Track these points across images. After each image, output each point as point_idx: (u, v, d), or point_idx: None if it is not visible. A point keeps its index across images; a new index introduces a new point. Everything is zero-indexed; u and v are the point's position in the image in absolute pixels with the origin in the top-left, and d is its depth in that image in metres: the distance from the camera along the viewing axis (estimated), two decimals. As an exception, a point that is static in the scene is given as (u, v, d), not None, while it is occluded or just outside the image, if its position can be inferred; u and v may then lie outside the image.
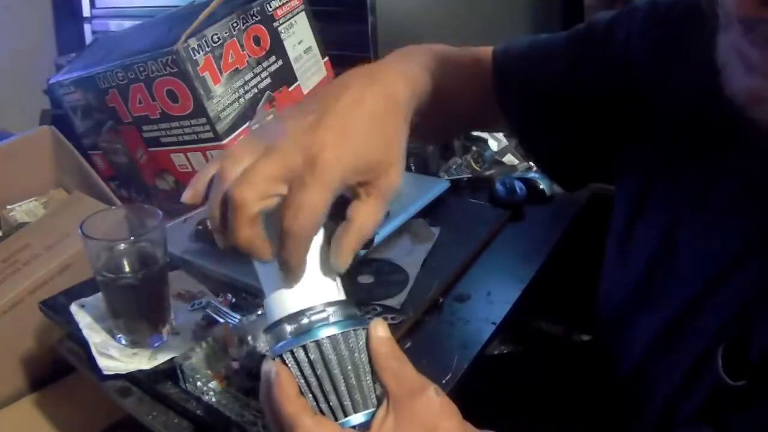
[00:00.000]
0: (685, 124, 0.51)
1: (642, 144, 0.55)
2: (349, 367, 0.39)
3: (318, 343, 0.39)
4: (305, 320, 0.39)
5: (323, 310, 0.40)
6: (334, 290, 0.42)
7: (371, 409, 0.40)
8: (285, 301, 0.41)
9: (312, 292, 0.41)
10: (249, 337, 0.65)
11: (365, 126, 0.41)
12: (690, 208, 0.50)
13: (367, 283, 0.76)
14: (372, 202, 0.41)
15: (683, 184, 0.51)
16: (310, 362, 0.39)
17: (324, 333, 0.39)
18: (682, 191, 0.51)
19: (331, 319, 0.40)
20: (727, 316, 0.46)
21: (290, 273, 0.40)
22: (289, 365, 0.39)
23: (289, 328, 0.40)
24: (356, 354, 0.40)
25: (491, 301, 0.75)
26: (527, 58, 0.63)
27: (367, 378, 0.40)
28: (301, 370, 0.39)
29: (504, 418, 0.72)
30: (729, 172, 0.47)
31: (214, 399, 0.59)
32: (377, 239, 0.79)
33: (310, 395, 0.39)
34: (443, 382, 0.62)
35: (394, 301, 0.72)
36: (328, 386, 0.39)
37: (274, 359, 0.40)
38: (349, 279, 0.76)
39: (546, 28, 1.30)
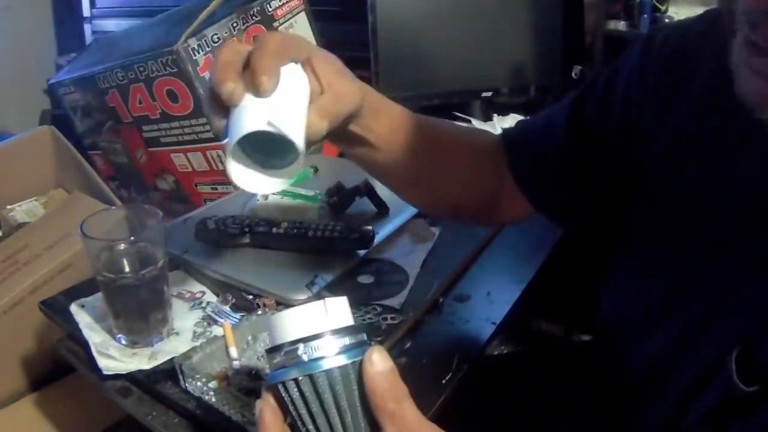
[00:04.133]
0: (691, 148, 0.52)
1: (650, 174, 0.56)
2: (346, 403, 0.37)
3: (312, 378, 0.37)
4: (301, 351, 0.37)
5: (323, 340, 0.37)
6: (341, 316, 0.39)
7: None
8: (284, 326, 0.38)
9: (312, 319, 0.38)
10: (249, 337, 0.65)
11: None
12: (703, 226, 0.51)
13: (367, 283, 0.76)
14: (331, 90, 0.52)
15: (694, 205, 0.52)
16: (303, 397, 0.37)
17: (320, 366, 0.37)
18: (693, 211, 0.51)
19: (330, 350, 0.37)
20: (740, 324, 0.46)
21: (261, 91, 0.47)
22: (283, 395, 0.37)
23: (286, 356, 0.38)
24: (353, 389, 0.37)
25: (491, 301, 0.75)
26: (532, 122, 0.68)
27: (366, 413, 0.38)
28: (294, 403, 0.37)
29: (504, 418, 0.72)
30: (739, 190, 0.48)
31: (214, 399, 0.59)
32: (377, 239, 0.79)
33: (303, 428, 0.38)
34: (443, 382, 0.62)
35: (394, 301, 0.72)
36: (322, 422, 0.37)
37: (267, 389, 0.39)
38: (349, 279, 0.77)
39: (546, 28, 1.31)
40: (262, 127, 0.45)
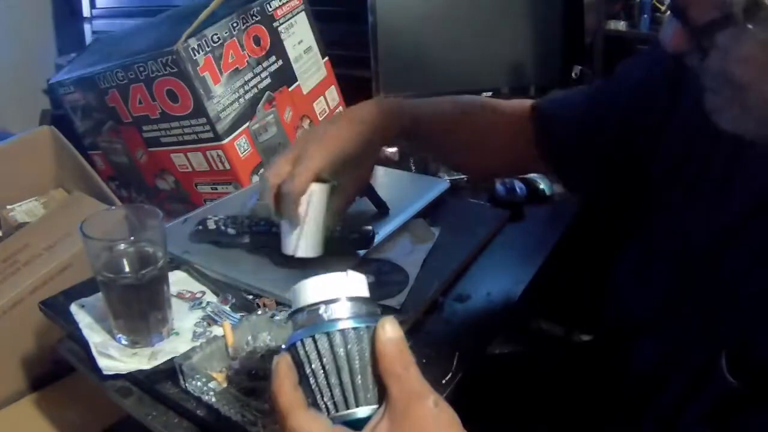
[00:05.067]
0: (693, 147, 0.54)
1: (655, 174, 0.59)
2: (357, 363, 0.40)
3: (329, 335, 0.40)
4: (321, 311, 0.41)
5: (341, 304, 0.41)
6: (360, 288, 0.43)
7: (375, 406, 0.40)
8: (307, 291, 0.42)
9: (333, 285, 0.42)
10: (249, 337, 0.65)
11: (337, 140, 0.67)
12: (700, 228, 0.52)
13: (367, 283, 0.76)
14: (343, 189, 0.70)
15: (691, 207, 0.53)
16: (319, 353, 0.40)
17: (337, 326, 0.40)
18: (691, 213, 0.53)
19: (347, 314, 0.41)
20: (732, 323, 0.47)
21: (291, 221, 0.67)
22: (300, 354, 0.40)
23: (306, 317, 0.41)
24: (365, 351, 0.40)
25: (491, 301, 0.75)
26: (561, 107, 0.74)
27: (374, 376, 0.40)
28: (309, 360, 0.40)
29: (504, 418, 0.72)
30: (736, 191, 0.49)
31: (214, 399, 0.59)
32: (377, 239, 0.79)
33: (315, 385, 0.40)
34: (443, 382, 0.62)
35: (394, 301, 0.72)
36: (334, 379, 0.40)
37: (286, 347, 0.41)
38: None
39: (546, 28, 1.31)
40: (294, 254, 0.70)
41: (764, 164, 0.47)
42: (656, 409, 0.53)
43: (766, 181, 0.47)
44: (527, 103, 0.78)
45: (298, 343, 0.40)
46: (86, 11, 1.95)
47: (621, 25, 1.43)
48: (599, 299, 0.64)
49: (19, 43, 1.91)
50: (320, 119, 1.25)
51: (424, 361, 0.64)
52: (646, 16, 1.40)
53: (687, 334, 0.52)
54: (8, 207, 1.26)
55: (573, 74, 1.36)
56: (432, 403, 0.39)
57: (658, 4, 1.40)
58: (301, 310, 0.42)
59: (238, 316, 0.69)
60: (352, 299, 0.42)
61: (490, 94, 1.33)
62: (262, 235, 0.79)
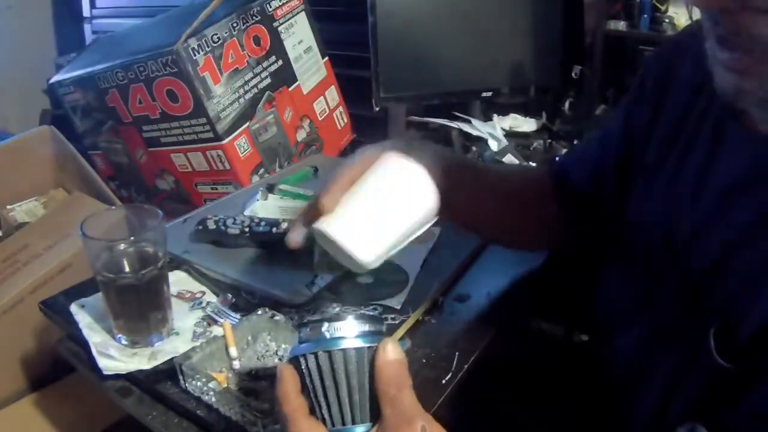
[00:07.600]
0: (671, 149, 0.55)
1: (642, 174, 0.59)
2: (356, 382, 0.41)
3: (330, 354, 0.41)
4: (325, 328, 0.41)
5: (346, 322, 0.41)
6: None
7: (369, 424, 0.41)
8: None
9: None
10: (249, 337, 0.65)
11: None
12: (681, 218, 0.52)
13: (367, 283, 0.76)
14: None
15: (674, 200, 0.54)
16: (320, 370, 0.41)
17: (339, 345, 0.41)
18: (674, 204, 0.54)
19: (350, 333, 0.41)
20: (720, 304, 0.47)
21: None
22: (302, 368, 0.41)
23: (312, 332, 0.42)
24: (364, 371, 0.41)
25: (491, 301, 0.75)
26: (577, 155, 0.72)
27: (371, 396, 0.41)
28: (310, 375, 0.41)
29: (504, 418, 0.72)
30: (719, 172, 0.50)
31: (214, 399, 0.59)
32: None
33: (314, 399, 0.41)
34: (443, 382, 0.62)
35: (394, 301, 0.72)
36: (332, 395, 0.41)
37: (289, 359, 0.43)
38: (349, 279, 0.77)
39: (546, 28, 1.31)
40: None
41: (744, 142, 0.48)
42: (647, 399, 0.54)
43: (747, 159, 0.48)
44: (541, 168, 0.78)
45: (301, 358, 0.41)
46: (86, 11, 1.95)
47: (621, 25, 1.43)
48: (594, 294, 0.65)
49: (19, 43, 1.91)
50: (320, 119, 1.26)
51: (424, 361, 0.64)
52: (646, 16, 1.40)
53: (670, 320, 0.52)
54: (8, 207, 1.26)
55: (573, 74, 1.36)
56: (420, 428, 0.39)
57: (658, 4, 1.40)
58: (305, 324, 0.43)
59: (238, 316, 0.69)
60: (356, 317, 0.42)
61: (490, 94, 1.33)
62: (262, 235, 0.79)
